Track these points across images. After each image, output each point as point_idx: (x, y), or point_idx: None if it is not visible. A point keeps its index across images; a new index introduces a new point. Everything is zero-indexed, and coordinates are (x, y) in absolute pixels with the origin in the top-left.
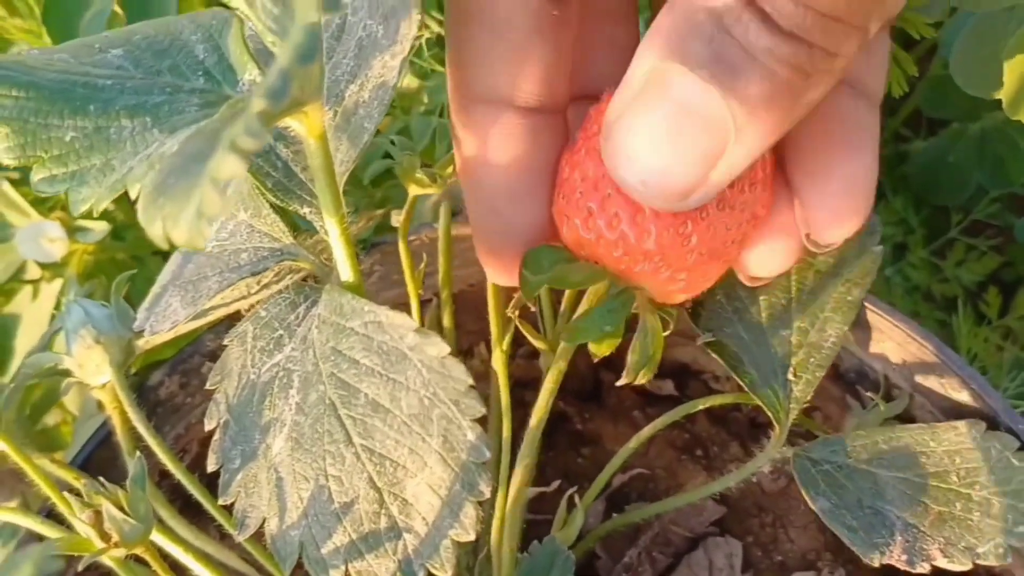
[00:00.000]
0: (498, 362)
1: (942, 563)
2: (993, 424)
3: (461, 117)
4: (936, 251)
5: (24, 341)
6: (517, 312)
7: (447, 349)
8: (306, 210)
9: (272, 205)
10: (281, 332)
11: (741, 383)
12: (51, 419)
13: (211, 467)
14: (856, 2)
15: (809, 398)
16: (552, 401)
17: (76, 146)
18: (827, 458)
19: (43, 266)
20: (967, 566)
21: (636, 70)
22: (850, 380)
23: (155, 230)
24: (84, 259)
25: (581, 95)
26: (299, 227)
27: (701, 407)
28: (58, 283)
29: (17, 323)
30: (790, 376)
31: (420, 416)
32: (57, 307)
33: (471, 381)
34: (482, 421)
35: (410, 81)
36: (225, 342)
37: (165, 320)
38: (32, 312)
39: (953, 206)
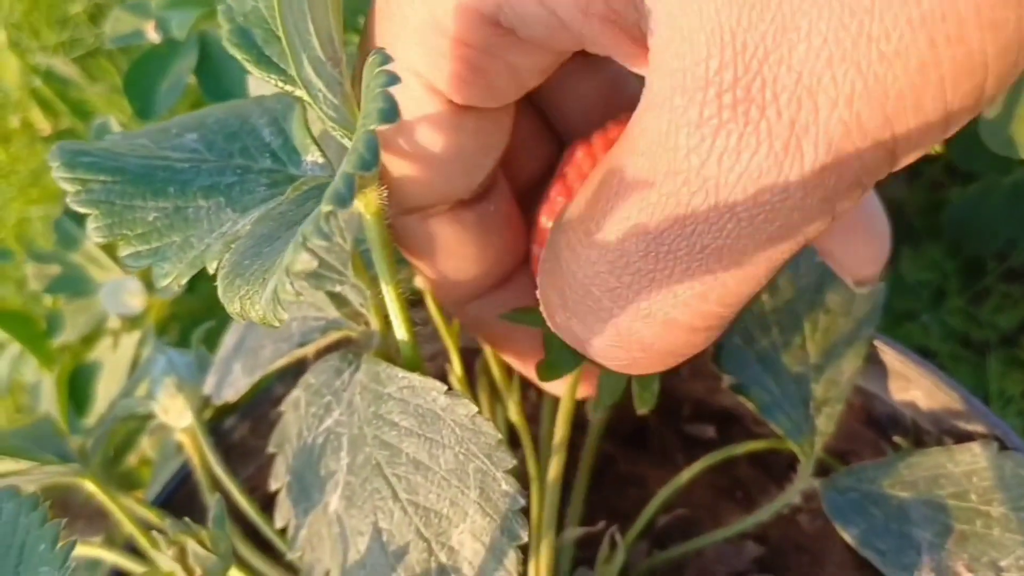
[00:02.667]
0: (516, 416)
1: None
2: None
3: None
4: (972, 298)
5: (104, 387)
6: None
7: (475, 409)
8: (338, 288)
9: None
10: (329, 398)
11: (768, 421)
12: (130, 460)
13: (278, 524)
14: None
15: (832, 431)
16: (599, 445)
17: (158, 225)
18: (853, 486)
19: (123, 318)
20: None
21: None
22: (883, 425)
23: (234, 308)
24: (161, 312)
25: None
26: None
27: (738, 452)
28: (136, 333)
29: (99, 370)
30: (812, 411)
31: (457, 471)
32: (136, 356)
33: (500, 436)
34: (514, 471)
35: None
36: (281, 408)
37: (230, 387)
38: (112, 360)
39: (988, 254)
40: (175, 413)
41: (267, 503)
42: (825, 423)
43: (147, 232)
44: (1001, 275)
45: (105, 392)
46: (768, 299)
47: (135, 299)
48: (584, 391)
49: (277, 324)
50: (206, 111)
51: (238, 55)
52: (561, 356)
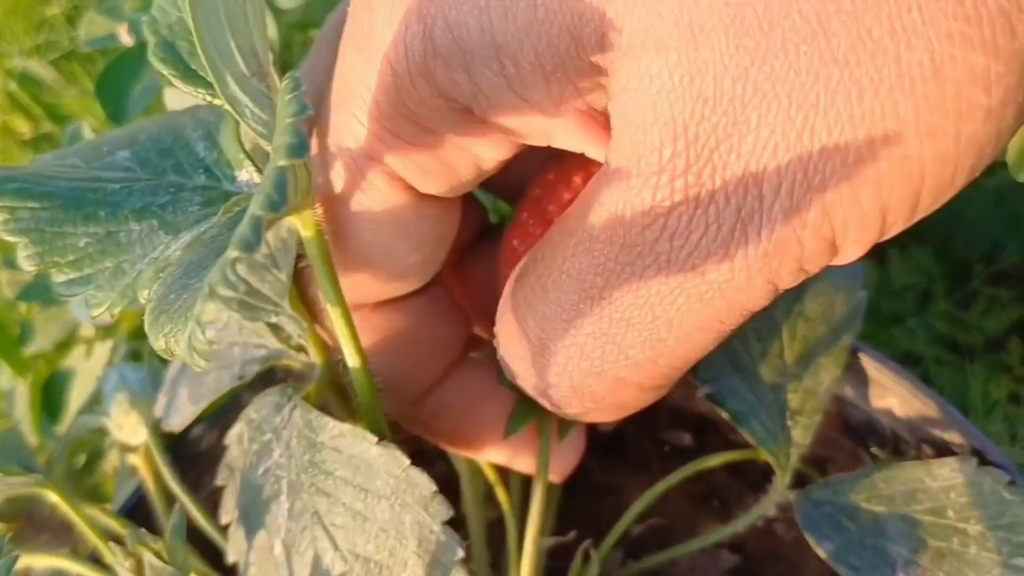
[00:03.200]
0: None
1: None
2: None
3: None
4: (959, 302)
5: (77, 395)
6: None
7: (406, 461)
8: (274, 319)
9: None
10: (270, 435)
11: (742, 431)
12: (101, 472)
13: (231, 559)
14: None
15: (808, 442)
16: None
17: (89, 251)
18: (828, 499)
19: (96, 326)
20: None
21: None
22: (861, 433)
23: (159, 345)
24: (133, 320)
25: None
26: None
27: (714, 463)
28: (110, 342)
29: (72, 378)
30: (788, 421)
31: (394, 521)
32: (109, 364)
33: (435, 487)
34: (452, 521)
35: None
36: (225, 442)
37: (176, 415)
38: (85, 368)
39: (974, 257)
40: (128, 430)
41: None
42: (801, 434)
43: (79, 259)
44: (988, 278)
45: (78, 400)
46: None
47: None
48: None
49: (199, 367)
50: (139, 124)
51: (163, 70)
52: (523, 407)
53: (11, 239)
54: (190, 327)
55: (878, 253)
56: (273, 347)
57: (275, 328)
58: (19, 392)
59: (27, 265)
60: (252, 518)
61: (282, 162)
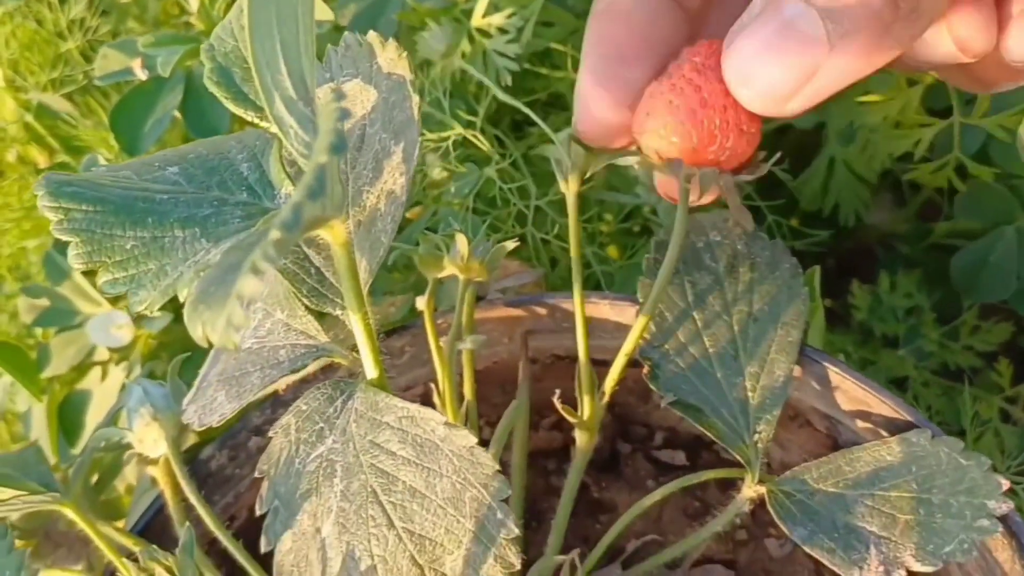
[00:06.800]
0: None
1: (916, 567)
2: None
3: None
4: (950, 323)
5: (93, 416)
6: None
7: (474, 439)
8: (338, 312)
9: (306, 306)
10: (322, 425)
11: (708, 433)
12: (116, 489)
13: (264, 548)
14: None
15: (772, 436)
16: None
17: (135, 253)
18: (798, 488)
19: (111, 349)
20: (938, 566)
21: None
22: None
23: (196, 332)
24: (148, 343)
25: None
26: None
27: (704, 478)
28: (124, 364)
29: (88, 399)
30: (751, 418)
31: (454, 499)
32: (123, 386)
33: (497, 466)
34: (508, 500)
35: (439, 172)
36: (270, 434)
37: (212, 413)
38: (101, 390)
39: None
40: (149, 443)
41: (245, 531)
42: (765, 429)
43: (125, 260)
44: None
45: (94, 421)
46: (699, 315)
47: (122, 331)
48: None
49: (233, 347)
50: (189, 146)
51: (218, 93)
52: None
53: (64, 238)
54: (229, 305)
55: (870, 277)
56: (322, 343)
57: (330, 320)
58: (36, 413)
59: (76, 263)
60: (293, 504)
61: (323, 158)
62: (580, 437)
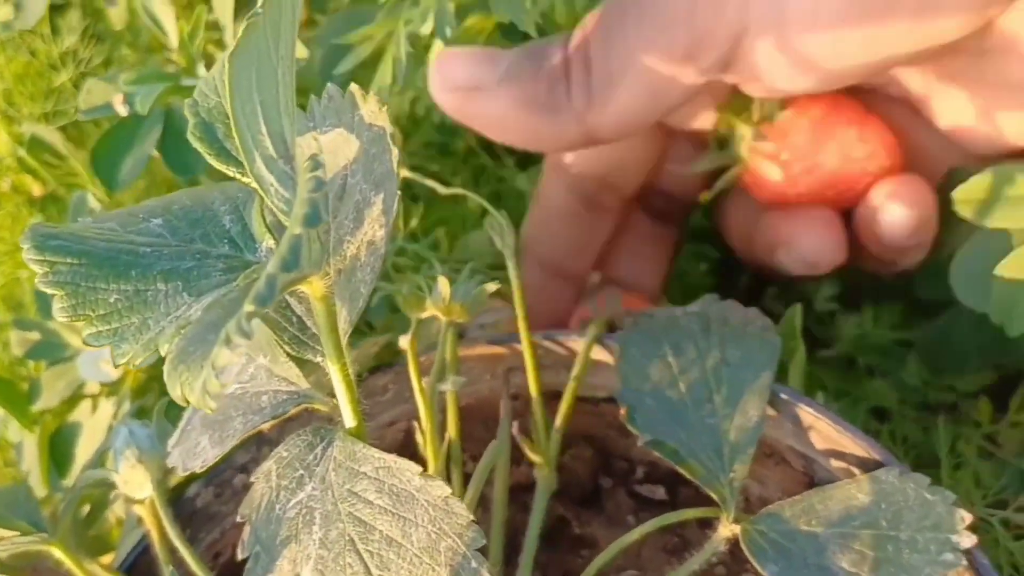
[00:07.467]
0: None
1: None
2: None
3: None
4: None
5: (83, 449)
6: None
7: (448, 490)
8: (319, 359)
9: (288, 353)
10: (302, 472)
11: (684, 473)
12: (105, 523)
13: None
14: None
15: (747, 475)
16: (549, 507)
17: (119, 307)
18: (772, 527)
19: (101, 384)
20: None
21: None
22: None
23: (176, 392)
24: (137, 377)
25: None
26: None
27: (682, 518)
28: (114, 398)
29: (78, 431)
30: (726, 457)
31: (430, 548)
32: (114, 419)
33: (472, 517)
34: (483, 550)
35: None
36: (251, 479)
37: (196, 458)
38: (91, 423)
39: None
40: (135, 485)
41: (231, 568)
42: (740, 469)
43: (108, 313)
44: None
45: (85, 453)
46: (675, 361)
47: (111, 366)
48: None
49: (209, 410)
50: (174, 196)
51: (200, 148)
52: None
53: (49, 291)
54: (205, 372)
55: (854, 306)
56: (303, 389)
57: (308, 366)
58: (27, 445)
59: (60, 316)
60: (274, 550)
61: (298, 230)
62: (539, 472)
